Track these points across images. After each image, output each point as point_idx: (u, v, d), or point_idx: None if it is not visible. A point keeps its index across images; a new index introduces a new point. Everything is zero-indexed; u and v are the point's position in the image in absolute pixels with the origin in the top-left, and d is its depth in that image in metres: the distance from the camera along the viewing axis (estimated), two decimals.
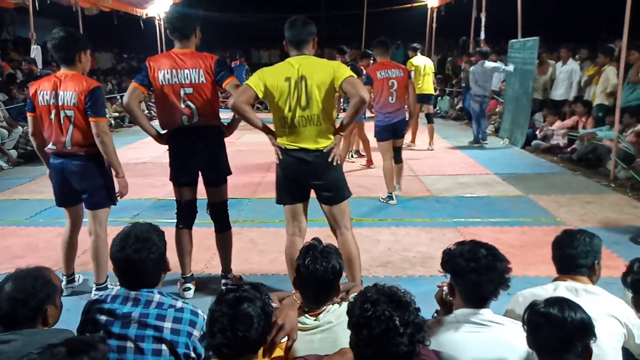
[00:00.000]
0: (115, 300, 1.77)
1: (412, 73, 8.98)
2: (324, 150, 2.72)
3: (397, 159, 5.17)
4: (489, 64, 7.95)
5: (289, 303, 1.85)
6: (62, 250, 3.24)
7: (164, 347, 1.71)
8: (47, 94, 2.87)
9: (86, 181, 3.00)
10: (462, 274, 1.72)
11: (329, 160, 2.73)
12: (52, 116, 2.89)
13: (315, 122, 2.67)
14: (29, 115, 3.01)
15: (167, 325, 1.72)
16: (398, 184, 5.25)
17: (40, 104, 2.89)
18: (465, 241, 1.82)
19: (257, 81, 2.65)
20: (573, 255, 1.97)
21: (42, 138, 3.00)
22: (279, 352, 1.68)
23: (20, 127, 7.08)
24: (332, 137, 2.75)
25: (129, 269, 1.79)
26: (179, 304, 1.79)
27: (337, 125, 2.82)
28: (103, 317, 1.73)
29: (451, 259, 1.76)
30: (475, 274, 1.69)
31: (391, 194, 5.09)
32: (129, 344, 1.70)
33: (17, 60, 10.76)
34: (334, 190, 2.82)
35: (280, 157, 2.77)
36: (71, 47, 2.90)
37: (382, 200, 5.14)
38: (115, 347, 1.69)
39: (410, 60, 8.03)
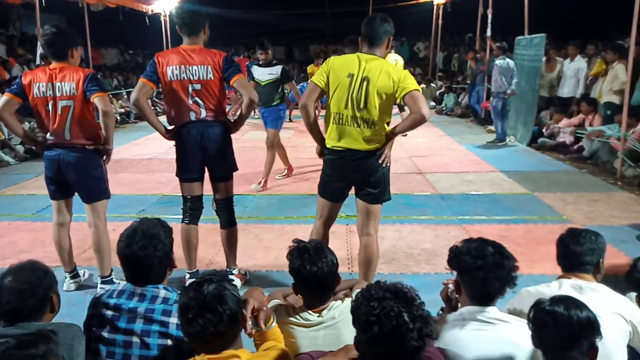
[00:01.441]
0: (122, 295, 1.78)
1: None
2: (376, 152, 2.70)
3: None
4: (511, 61, 7.88)
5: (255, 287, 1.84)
6: (57, 250, 3.21)
7: (169, 342, 1.72)
8: (43, 86, 2.87)
9: (83, 173, 3.01)
10: (468, 271, 1.71)
11: (380, 161, 2.72)
12: (50, 107, 2.90)
13: (369, 125, 2.65)
14: (7, 96, 2.92)
15: (173, 320, 1.72)
16: None
17: (35, 95, 2.89)
18: (473, 238, 1.81)
19: (322, 75, 2.69)
20: (578, 253, 1.97)
21: (9, 122, 2.95)
22: (274, 343, 1.68)
23: (27, 123, 7.11)
24: (382, 139, 2.71)
25: (135, 265, 1.80)
26: None
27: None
28: (109, 312, 1.74)
29: (458, 256, 1.75)
30: (481, 272, 1.68)
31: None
32: (135, 339, 1.71)
33: (23, 56, 10.82)
34: (380, 188, 2.80)
35: (326, 157, 2.80)
36: (63, 43, 2.92)
37: None
38: (122, 341, 1.70)
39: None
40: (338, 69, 2.67)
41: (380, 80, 2.60)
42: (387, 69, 2.64)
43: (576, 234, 2.02)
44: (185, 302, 1.44)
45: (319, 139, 2.85)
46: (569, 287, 1.89)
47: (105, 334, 1.72)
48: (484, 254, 1.70)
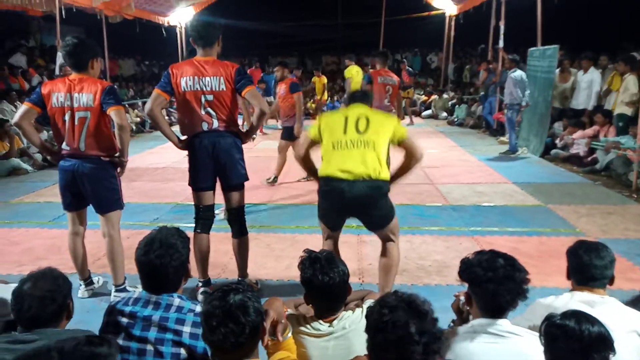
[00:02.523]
0: (137, 303, 1.79)
1: (349, 81, 9.70)
2: (377, 186, 2.69)
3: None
4: (523, 73, 7.87)
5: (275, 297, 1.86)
6: (72, 259, 3.26)
7: (182, 351, 1.72)
8: (61, 96, 2.93)
9: (97, 184, 3.04)
10: (479, 283, 1.71)
11: (381, 193, 2.73)
12: (67, 118, 2.94)
13: (370, 147, 2.69)
14: (26, 105, 2.96)
15: (187, 329, 1.73)
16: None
17: (54, 105, 2.95)
18: (484, 250, 1.80)
19: (315, 129, 2.87)
20: (592, 267, 1.94)
21: (27, 130, 3.01)
22: (286, 353, 1.69)
23: (45, 132, 7.27)
24: (382, 171, 2.71)
25: (151, 273, 1.82)
26: (198, 308, 1.80)
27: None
28: (124, 320, 1.76)
29: (468, 268, 1.75)
30: (492, 284, 1.67)
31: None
32: (149, 347, 1.72)
33: (43, 67, 11.08)
34: (383, 216, 2.84)
35: (321, 188, 2.82)
36: (83, 54, 2.98)
37: None
38: (136, 349, 1.72)
39: (347, 69, 9.79)
40: (331, 120, 2.87)
41: (377, 116, 2.83)
42: (381, 113, 2.97)
43: (590, 248, 1.99)
44: (210, 309, 1.45)
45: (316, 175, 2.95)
46: (578, 301, 1.87)
47: (120, 341, 1.74)
48: (495, 266, 1.69)
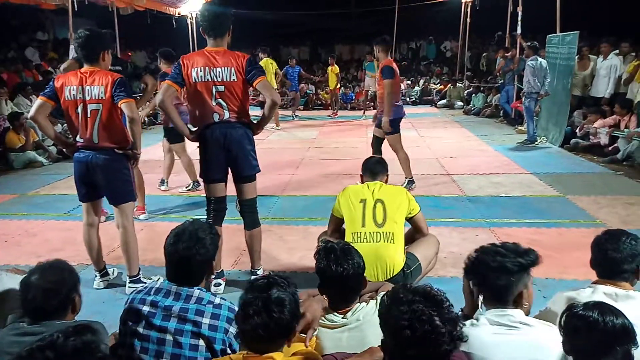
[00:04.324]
0: (159, 293, 1.81)
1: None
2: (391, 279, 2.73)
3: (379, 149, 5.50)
4: (543, 61, 7.67)
5: (317, 298, 1.84)
6: (87, 250, 3.29)
7: (201, 342, 1.73)
8: (73, 89, 2.94)
9: (110, 175, 3.06)
10: (485, 273, 1.70)
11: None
12: (79, 110, 2.96)
13: (389, 239, 2.75)
14: (41, 99, 2.99)
15: (206, 321, 1.75)
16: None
17: (67, 98, 2.96)
18: (486, 247, 1.77)
19: (337, 206, 2.95)
20: (617, 259, 1.87)
21: (42, 124, 3.04)
22: (302, 346, 1.67)
23: (59, 125, 7.33)
24: (400, 257, 2.78)
25: (176, 264, 1.84)
26: (217, 300, 1.82)
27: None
28: (146, 308, 1.78)
29: (471, 260, 1.75)
30: (496, 273, 1.67)
31: (412, 178, 5.44)
32: (169, 337, 1.74)
33: (56, 60, 11.17)
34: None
35: None
36: (95, 46, 3.00)
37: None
38: (156, 338, 1.74)
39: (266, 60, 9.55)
40: (349, 203, 2.89)
41: (393, 197, 2.86)
42: (395, 189, 2.96)
43: (615, 238, 1.91)
44: (250, 298, 1.49)
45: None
46: (602, 294, 1.81)
47: (140, 330, 1.76)
48: (501, 253, 1.69)
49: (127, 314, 1.81)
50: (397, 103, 5.22)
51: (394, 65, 5.12)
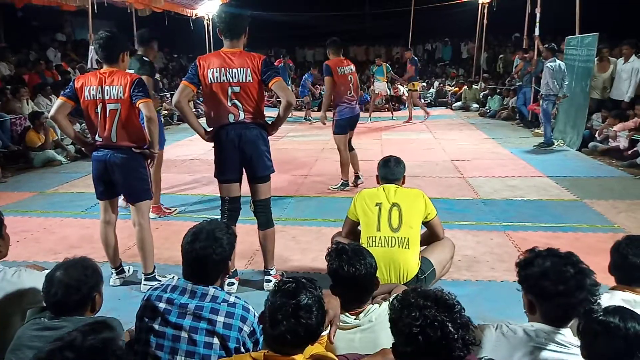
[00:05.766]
0: (175, 290, 1.83)
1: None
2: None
3: (351, 147, 5.57)
4: (562, 63, 7.56)
5: (332, 294, 1.85)
6: (103, 247, 3.34)
7: (215, 340, 1.75)
8: (93, 89, 3.00)
9: (128, 174, 3.10)
10: (549, 298, 1.55)
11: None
12: (99, 110, 3.02)
13: (404, 244, 2.72)
14: (61, 99, 3.06)
15: (220, 319, 1.76)
16: (358, 172, 5.68)
17: (86, 98, 3.02)
18: (541, 252, 1.64)
19: (353, 210, 2.91)
20: (637, 264, 1.83)
21: (62, 123, 3.09)
22: (319, 347, 1.67)
23: (78, 124, 7.46)
24: (414, 264, 2.74)
25: (193, 262, 1.86)
26: (232, 298, 1.83)
27: None
28: (162, 305, 1.80)
29: (534, 281, 1.58)
30: (563, 297, 1.52)
31: (346, 180, 5.55)
32: (183, 334, 1.75)
33: (75, 61, 11.38)
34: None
35: None
36: (114, 47, 3.06)
37: (333, 187, 5.55)
38: (171, 335, 1.76)
39: None
40: (365, 207, 2.85)
41: (410, 202, 2.81)
42: (412, 193, 2.89)
43: (637, 243, 1.88)
44: (279, 304, 1.48)
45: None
46: (620, 300, 1.78)
47: (156, 326, 1.78)
48: (565, 277, 1.52)
49: (143, 310, 1.83)
50: (344, 104, 5.23)
51: (331, 65, 5.14)
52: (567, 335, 1.56)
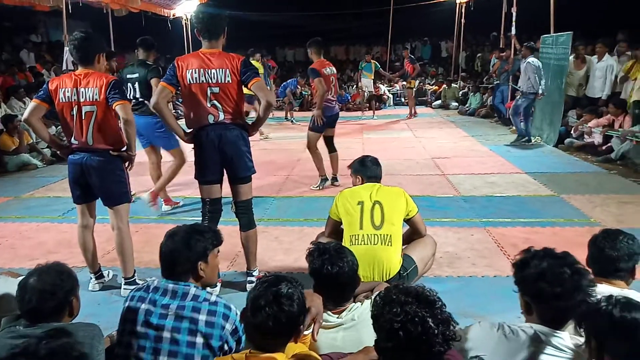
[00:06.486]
0: (157, 291, 1.84)
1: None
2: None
3: (332, 147, 5.69)
4: (538, 61, 7.70)
5: (317, 295, 1.85)
6: (82, 252, 3.27)
7: (198, 339, 1.75)
8: (68, 91, 2.94)
9: (105, 177, 3.05)
10: (545, 300, 1.54)
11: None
12: (74, 112, 2.96)
13: (386, 242, 2.72)
14: (34, 102, 2.99)
15: (202, 317, 1.77)
16: (336, 174, 5.75)
17: (61, 100, 2.96)
18: (536, 252, 1.62)
19: (335, 209, 2.90)
20: (613, 257, 1.87)
21: (36, 126, 3.04)
22: (302, 347, 1.67)
23: (53, 127, 7.30)
24: (397, 259, 2.76)
25: (167, 261, 1.89)
26: (213, 297, 1.85)
27: None
28: (144, 306, 1.80)
29: (530, 282, 1.57)
30: (562, 301, 1.51)
31: (325, 176, 5.66)
32: (166, 334, 1.76)
33: (50, 63, 11.12)
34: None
35: None
36: (89, 48, 2.99)
37: (315, 187, 5.61)
38: (153, 336, 1.76)
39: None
40: (347, 205, 2.85)
41: (391, 199, 2.82)
42: (394, 191, 2.90)
43: (612, 237, 1.91)
44: (260, 292, 1.52)
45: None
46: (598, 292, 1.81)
47: (138, 328, 1.78)
48: (562, 279, 1.51)
49: (126, 312, 1.83)
50: (325, 102, 5.32)
51: (317, 67, 5.22)
52: (566, 339, 1.55)
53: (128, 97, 4.60)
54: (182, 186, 5.83)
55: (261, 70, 9.14)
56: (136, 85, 4.54)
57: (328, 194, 5.28)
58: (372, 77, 11.32)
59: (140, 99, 4.52)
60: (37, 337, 1.19)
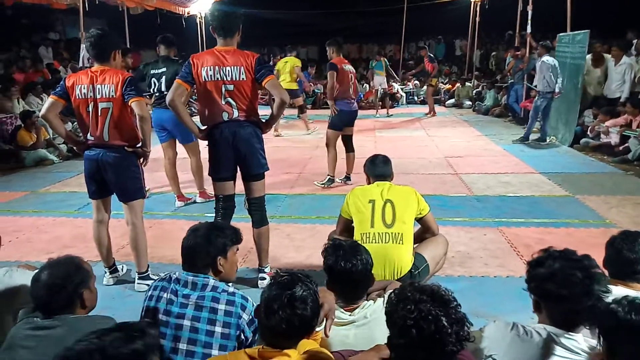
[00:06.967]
0: (178, 282, 1.90)
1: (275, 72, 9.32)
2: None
3: (351, 147, 5.67)
4: (555, 60, 7.61)
5: (327, 289, 1.86)
6: (96, 247, 3.32)
7: (217, 329, 1.80)
8: (84, 88, 2.98)
9: (120, 173, 3.09)
10: (551, 301, 1.53)
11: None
12: (90, 109, 3.00)
13: (398, 240, 2.72)
14: (52, 98, 3.04)
15: (222, 307, 1.82)
16: (350, 173, 5.73)
17: (77, 97, 3.00)
18: (554, 252, 1.60)
19: (346, 207, 2.91)
20: (632, 260, 1.84)
21: (53, 122, 3.08)
22: (313, 343, 1.68)
23: (70, 123, 7.41)
24: (408, 259, 2.75)
25: (189, 255, 1.96)
26: (231, 289, 1.91)
27: None
28: (167, 296, 1.86)
29: (536, 279, 1.55)
30: (567, 302, 1.49)
31: (333, 176, 5.65)
32: (186, 322, 1.81)
33: (67, 60, 11.28)
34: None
35: None
36: (106, 45, 3.03)
37: (320, 184, 5.63)
38: (174, 324, 1.81)
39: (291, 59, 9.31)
40: (358, 203, 2.85)
41: (403, 198, 2.83)
42: (404, 190, 2.90)
43: (631, 239, 1.89)
44: (275, 294, 1.52)
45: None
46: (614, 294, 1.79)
47: (159, 315, 1.84)
48: (571, 282, 1.48)
49: (149, 300, 1.89)
50: (344, 100, 5.35)
51: (336, 62, 5.31)
52: (580, 341, 1.52)
53: (152, 91, 4.73)
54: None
55: (298, 64, 9.22)
56: (162, 79, 4.66)
57: (340, 192, 5.28)
58: (385, 75, 11.34)
59: (165, 93, 4.59)
60: (114, 336, 1.22)
